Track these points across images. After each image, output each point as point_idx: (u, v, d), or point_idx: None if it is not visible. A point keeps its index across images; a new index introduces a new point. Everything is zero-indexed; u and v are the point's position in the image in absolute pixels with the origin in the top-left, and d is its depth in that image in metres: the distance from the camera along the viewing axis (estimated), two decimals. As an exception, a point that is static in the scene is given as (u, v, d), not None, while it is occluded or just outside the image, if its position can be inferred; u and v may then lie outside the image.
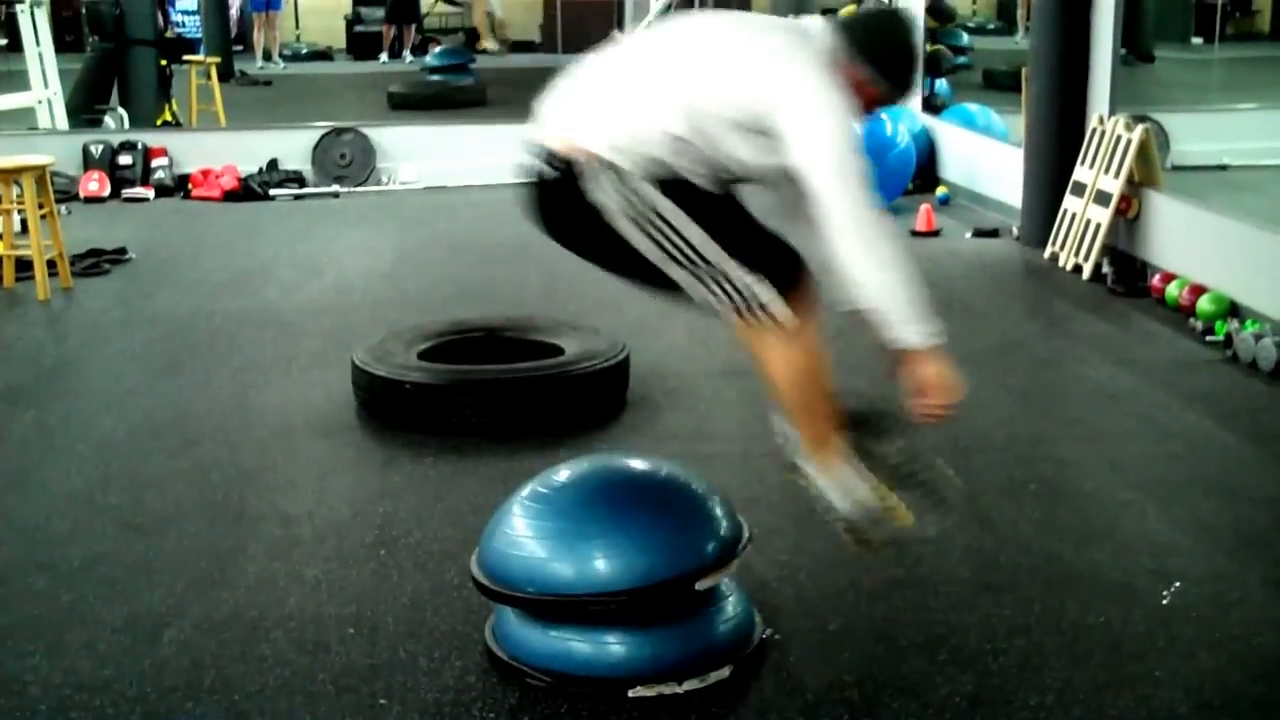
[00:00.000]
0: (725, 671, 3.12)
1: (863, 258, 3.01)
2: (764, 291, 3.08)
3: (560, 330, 5.37)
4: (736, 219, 3.16)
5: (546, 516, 3.10)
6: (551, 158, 3.12)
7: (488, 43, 15.53)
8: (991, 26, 16.09)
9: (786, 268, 3.15)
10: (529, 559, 3.07)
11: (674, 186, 3.05)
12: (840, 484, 3.24)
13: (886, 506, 3.24)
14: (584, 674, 3.07)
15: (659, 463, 3.37)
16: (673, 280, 3.13)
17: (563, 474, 3.26)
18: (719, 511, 3.20)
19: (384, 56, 17.40)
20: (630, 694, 3.04)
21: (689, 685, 3.07)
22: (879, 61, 3.11)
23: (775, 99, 3.01)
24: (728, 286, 3.08)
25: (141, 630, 3.39)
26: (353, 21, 19.08)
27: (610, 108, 3.13)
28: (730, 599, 3.23)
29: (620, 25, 18.61)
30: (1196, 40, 12.22)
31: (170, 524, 4.06)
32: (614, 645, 3.07)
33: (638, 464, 3.36)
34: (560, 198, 3.13)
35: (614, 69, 3.22)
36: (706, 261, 3.07)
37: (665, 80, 3.10)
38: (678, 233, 3.06)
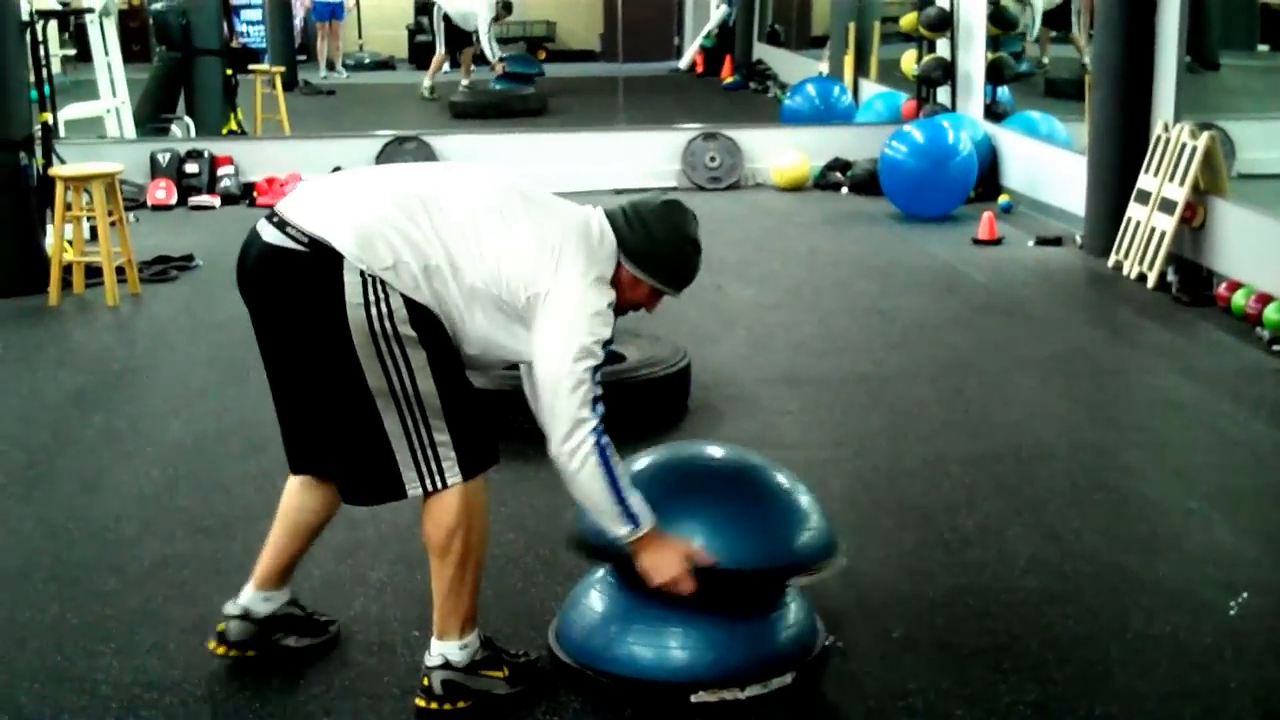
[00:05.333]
0: (788, 678, 3.12)
1: (565, 470, 2.97)
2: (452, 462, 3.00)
3: (621, 337, 5.34)
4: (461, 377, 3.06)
5: (661, 488, 3.12)
6: (300, 231, 2.90)
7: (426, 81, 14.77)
8: (1054, 35, 15.97)
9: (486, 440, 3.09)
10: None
11: (424, 318, 2.92)
12: (470, 644, 3.12)
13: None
14: (647, 678, 3.08)
15: (768, 460, 3.36)
16: (368, 423, 2.95)
17: (678, 451, 3.34)
18: (819, 519, 3.21)
19: (446, 65, 17.50)
20: (693, 699, 3.05)
21: (751, 691, 3.07)
22: (650, 265, 3.08)
23: (536, 291, 2.93)
24: (429, 449, 2.97)
25: (210, 631, 3.41)
26: (415, 31, 19.18)
27: (378, 210, 2.93)
28: (793, 605, 3.23)
29: (680, 34, 18.64)
30: (1263, 48, 12.08)
31: (238, 526, 4.11)
32: (677, 650, 3.08)
33: (745, 455, 3.37)
34: (296, 275, 2.91)
35: (391, 181, 3.06)
36: (424, 415, 2.95)
37: (442, 220, 2.93)
38: (411, 372, 2.92)
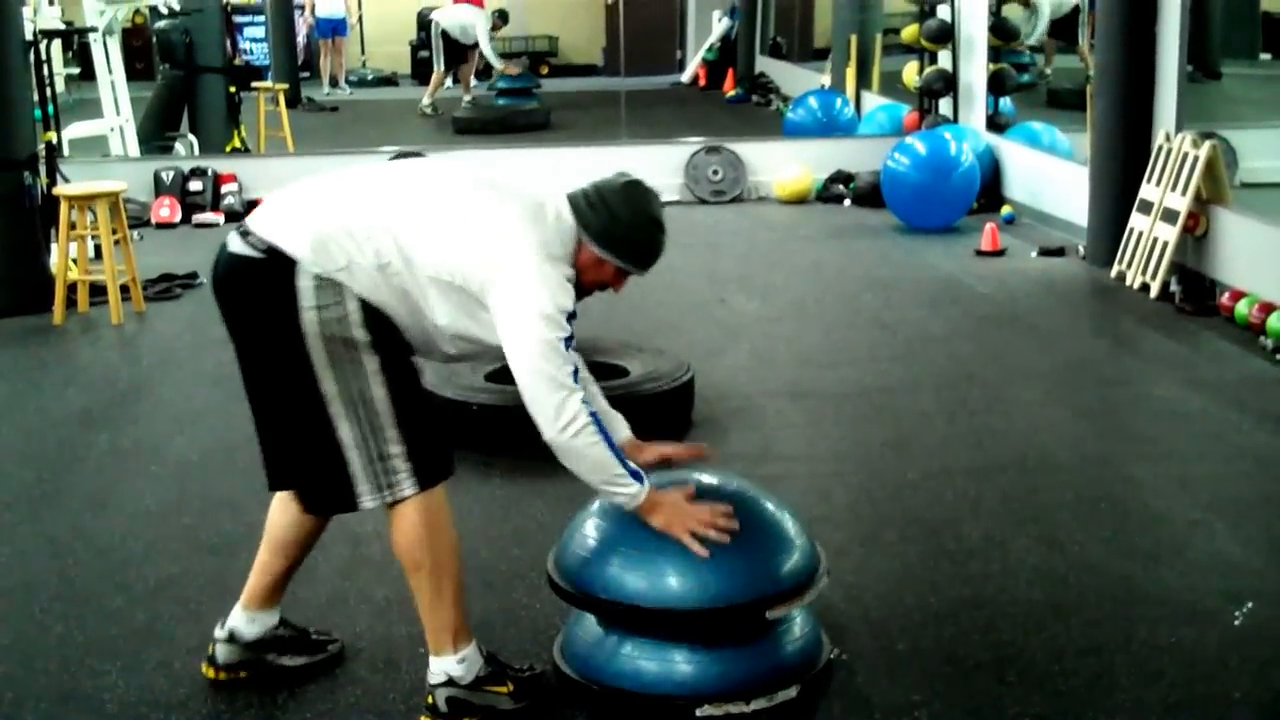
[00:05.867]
0: (793, 691, 3.11)
1: (564, 445, 2.95)
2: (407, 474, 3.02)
3: (625, 351, 5.39)
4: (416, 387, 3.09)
5: (625, 526, 3.09)
6: (258, 239, 2.96)
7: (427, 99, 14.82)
8: (1059, 45, 15.98)
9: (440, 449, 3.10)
10: (604, 566, 3.08)
11: (379, 323, 2.95)
12: (470, 658, 3.13)
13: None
14: (651, 692, 3.08)
15: (744, 483, 3.31)
16: (323, 432, 2.97)
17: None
18: (798, 540, 3.17)
19: (449, 81, 17.54)
20: (698, 713, 3.04)
21: (756, 705, 3.06)
22: (612, 244, 3.05)
23: (489, 275, 2.92)
24: (381, 461, 2.99)
25: (216, 649, 3.44)
26: (417, 47, 19.23)
27: (333, 215, 2.98)
28: (798, 619, 3.22)
29: (682, 48, 18.67)
30: (1265, 56, 12.10)
31: (243, 544, 4.09)
32: (681, 664, 3.07)
33: (724, 482, 3.30)
34: (253, 282, 2.97)
35: (353, 186, 3.11)
36: (377, 425, 2.97)
37: (391, 213, 2.97)
38: (364, 378, 2.95)
